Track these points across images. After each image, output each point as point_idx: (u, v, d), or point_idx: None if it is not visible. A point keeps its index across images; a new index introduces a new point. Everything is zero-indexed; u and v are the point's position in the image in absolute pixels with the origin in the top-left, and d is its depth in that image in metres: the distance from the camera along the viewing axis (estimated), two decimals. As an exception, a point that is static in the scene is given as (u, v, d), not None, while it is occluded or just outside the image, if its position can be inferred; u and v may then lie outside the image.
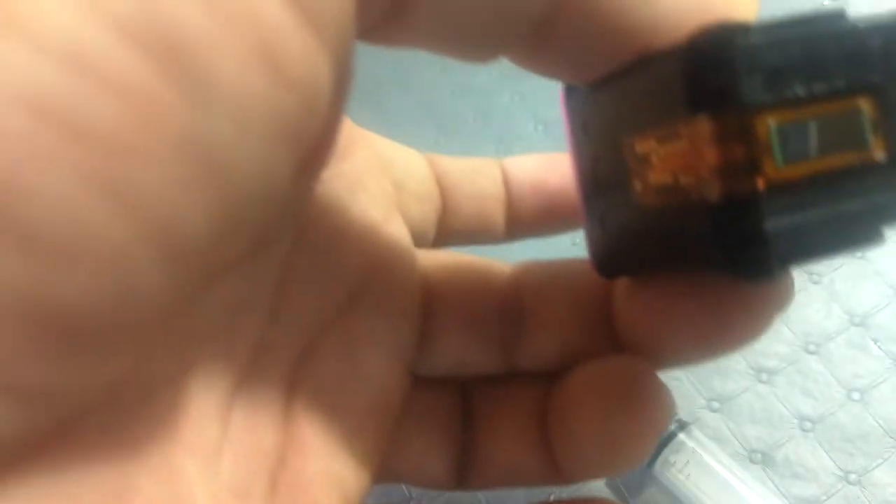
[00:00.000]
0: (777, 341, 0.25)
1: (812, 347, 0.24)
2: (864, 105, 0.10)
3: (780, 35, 0.09)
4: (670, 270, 0.13)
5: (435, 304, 0.17)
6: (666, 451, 0.21)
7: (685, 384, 0.24)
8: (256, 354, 0.13)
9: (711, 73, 0.09)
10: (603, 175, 0.13)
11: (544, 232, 0.19)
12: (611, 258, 0.14)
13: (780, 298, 0.12)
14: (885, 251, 0.26)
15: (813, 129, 0.10)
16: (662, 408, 0.14)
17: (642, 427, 0.14)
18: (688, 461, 0.21)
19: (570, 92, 0.14)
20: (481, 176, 0.19)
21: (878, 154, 0.10)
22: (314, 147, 0.10)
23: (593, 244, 0.14)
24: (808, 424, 0.23)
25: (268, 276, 0.14)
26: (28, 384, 0.08)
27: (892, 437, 0.23)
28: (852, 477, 0.22)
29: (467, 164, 0.19)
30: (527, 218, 0.19)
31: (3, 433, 0.08)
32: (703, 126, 0.10)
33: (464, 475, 0.17)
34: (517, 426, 0.16)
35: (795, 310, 0.25)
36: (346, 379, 0.15)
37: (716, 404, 0.24)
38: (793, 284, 0.13)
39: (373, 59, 0.33)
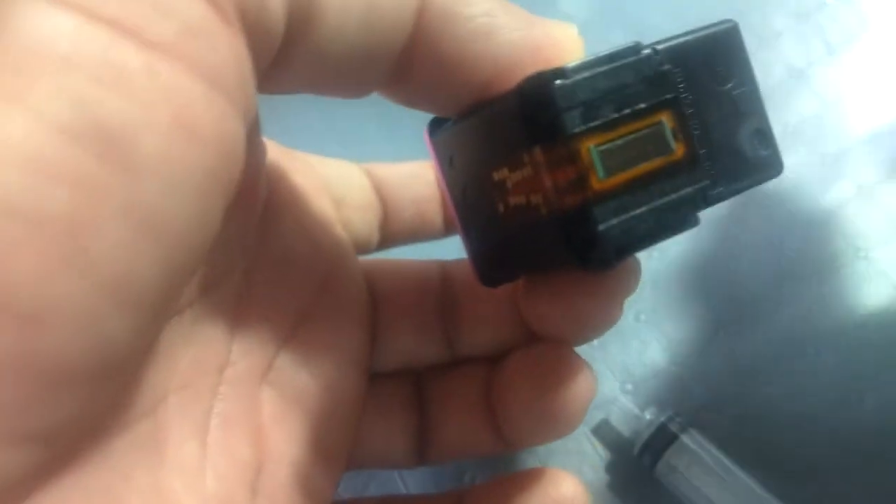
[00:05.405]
0: (778, 341, 0.25)
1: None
2: (666, 118, 0.12)
3: (589, 73, 0.12)
4: (539, 272, 0.15)
5: (381, 308, 0.19)
6: (667, 454, 0.21)
7: (687, 385, 0.24)
8: (222, 377, 0.15)
9: (540, 112, 0.12)
10: (471, 201, 0.15)
11: None
12: (490, 269, 0.16)
13: (627, 283, 0.15)
14: (888, 252, 0.26)
15: (626, 144, 0.12)
16: (584, 382, 0.17)
17: (568, 400, 0.17)
18: (689, 463, 0.21)
19: (434, 127, 0.16)
20: (417, 180, 0.20)
21: (681, 155, 0.12)
22: (244, 188, 0.12)
23: (474, 259, 0.16)
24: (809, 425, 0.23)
25: (221, 308, 0.15)
26: (27, 428, 0.09)
27: (895, 439, 0.23)
28: (856, 479, 0.22)
29: (403, 169, 0.21)
30: None
31: (10, 476, 0.10)
32: (540, 156, 0.12)
33: (423, 453, 0.19)
34: (466, 406, 0.18)
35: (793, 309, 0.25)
36: (308, 389, 0.16)
37: (716, 406, 0.24)
38: (638, 270, 0.16)
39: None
